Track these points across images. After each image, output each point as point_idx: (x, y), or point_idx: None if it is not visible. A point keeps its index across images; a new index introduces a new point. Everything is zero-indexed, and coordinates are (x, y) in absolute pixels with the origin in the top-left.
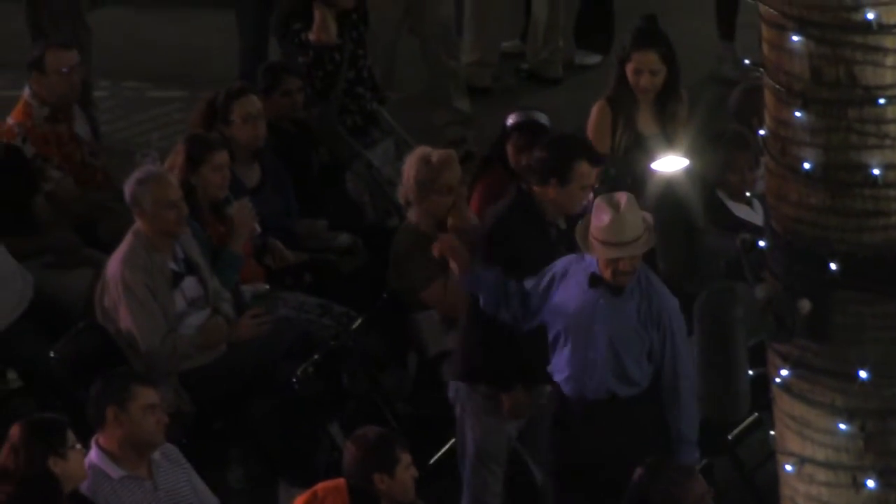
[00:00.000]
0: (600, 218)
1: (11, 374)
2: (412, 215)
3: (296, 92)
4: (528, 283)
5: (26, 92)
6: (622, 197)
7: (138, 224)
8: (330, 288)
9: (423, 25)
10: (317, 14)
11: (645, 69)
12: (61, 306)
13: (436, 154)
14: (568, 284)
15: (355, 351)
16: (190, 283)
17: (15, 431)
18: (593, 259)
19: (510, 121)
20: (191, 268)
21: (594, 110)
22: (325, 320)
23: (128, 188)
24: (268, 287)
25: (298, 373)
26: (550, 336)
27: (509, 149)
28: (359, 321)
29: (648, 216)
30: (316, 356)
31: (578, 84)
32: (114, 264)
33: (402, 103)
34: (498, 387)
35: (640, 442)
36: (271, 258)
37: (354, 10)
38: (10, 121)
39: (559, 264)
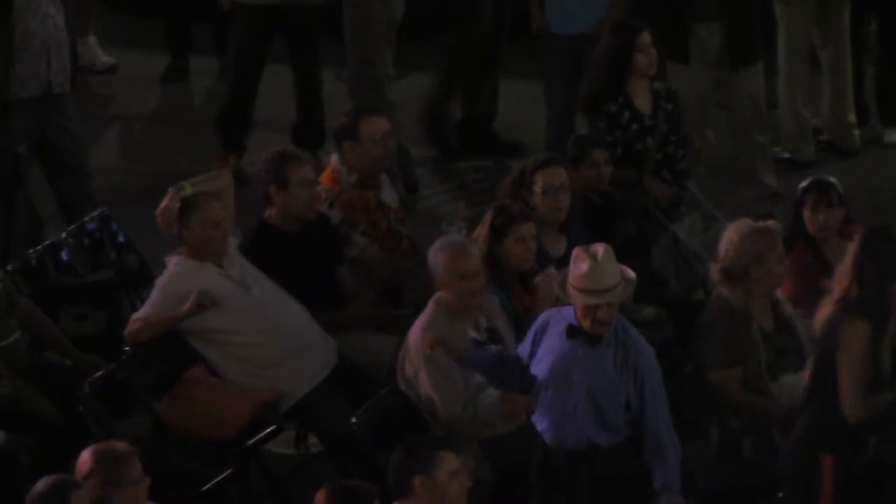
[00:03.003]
0: (579, 266)
1: (312, 439)
2: (724, 290)
3: (602, 164)
4: (519, 350)
5: (334, 158)
6: (599, 247)
7: (440, 292)
8: None
9: (732, 99)
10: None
11: None
12: (364, 372)
13: (772, 223)
14: (548, 336)
15: None
16: None
17: (321, 497)
18: (571, 311)
19: (800, 188)
20: (494, 337)
21: (853, 329)
22: None
23: (430, 257)
24: None
25: None
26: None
27: (805, 214)
28: None
29: (626, 268)
30: None
31: (879, 160)
32: (415, 332)
33: (710, 178)
34: None
35: (623, 491)
36: None
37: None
38: (318, 186)
39: (539, 319)
